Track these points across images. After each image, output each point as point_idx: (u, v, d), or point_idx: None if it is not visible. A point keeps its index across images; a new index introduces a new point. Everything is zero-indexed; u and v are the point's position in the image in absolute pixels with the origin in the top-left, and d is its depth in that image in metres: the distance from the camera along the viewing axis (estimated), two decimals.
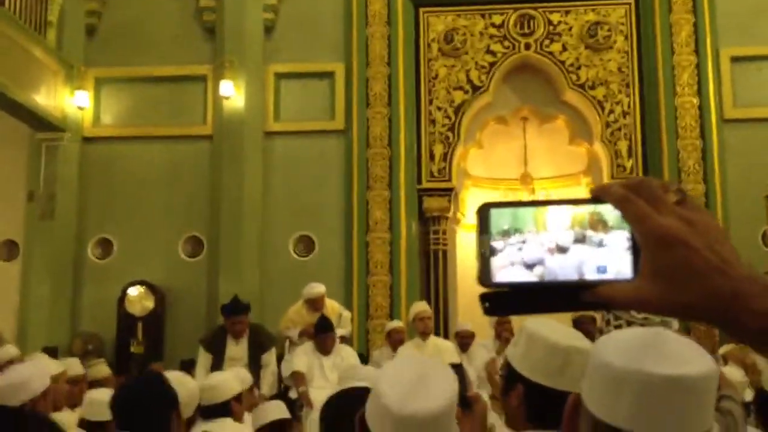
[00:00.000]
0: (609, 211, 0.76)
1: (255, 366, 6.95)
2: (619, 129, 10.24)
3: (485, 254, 0.77)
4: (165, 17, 10.74)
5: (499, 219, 0.78)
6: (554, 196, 10.87)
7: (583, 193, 10.80)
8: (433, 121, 10.44)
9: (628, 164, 10.12)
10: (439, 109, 10.46)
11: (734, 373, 4.79)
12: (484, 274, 0.77)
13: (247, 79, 10.31)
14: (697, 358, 1.14)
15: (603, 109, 10.30)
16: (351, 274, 9.86)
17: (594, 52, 10.43)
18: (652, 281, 0.73)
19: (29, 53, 9.58)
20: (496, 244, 0.77)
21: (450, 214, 10.41)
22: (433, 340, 7.61)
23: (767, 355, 0.75)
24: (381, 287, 9.81)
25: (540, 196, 10.94)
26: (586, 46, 10.44)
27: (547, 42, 10.49)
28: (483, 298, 0.78)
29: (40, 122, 9.93)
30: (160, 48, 10.65)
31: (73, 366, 5.32)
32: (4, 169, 10.51)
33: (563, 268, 0.76)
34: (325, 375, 7.10)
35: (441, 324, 9.54)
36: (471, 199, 11.18)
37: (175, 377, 3.45)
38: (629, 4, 10.49)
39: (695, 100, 9.98)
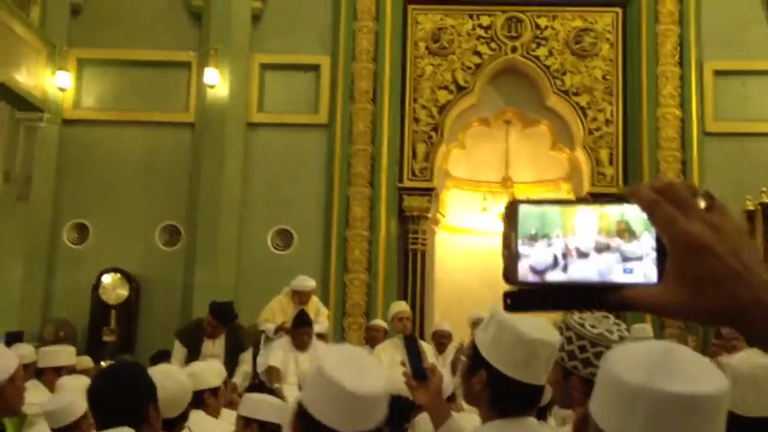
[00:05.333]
0: (636, 217, 0.77)
1: (231, 364, 6.89)
2: (601, 137, 10.29)
3: (512, 252, 0.78)
4: (151, 1, 10.60)
5: (527, 221, 0.78)
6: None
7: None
8: (416, 120, 10.43)
9: (609, 172, 10.19)
10: (424, 107, 10.45)
11: None
12: (511, 271, 0.78)
13: (232, 68, 10.22)
14: (710, 375, 1.15)
15: (586, 116, 10.35)
16: (329, 270, 9.83)
17: (579, 58, 10.48)
18: (676, 286, 0.74)
19: (11, 30, 9.40)
20: (523, 248, 0.78)
21: (430, 214, 10.41)
22: None
23: None
24: (358, 285, 9.79)
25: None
26: (572, 53, 10.48)
27: (533, 46, 10.51)
28: (506, 295, 0.79)
29: (19, 102, 9.77)
30: (145, 32, 10.51)
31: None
32: None
33: (586, 272, 0.77)
34: (299, 371, 7.06)
35: (417, 324, 9.54)
36: (451, 200, 11.20)
37: (164, 371, 3.39)
38: (616, 12, 10.54)
39: (677, 112, 10.06)
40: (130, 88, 10.51)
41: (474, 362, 2.08)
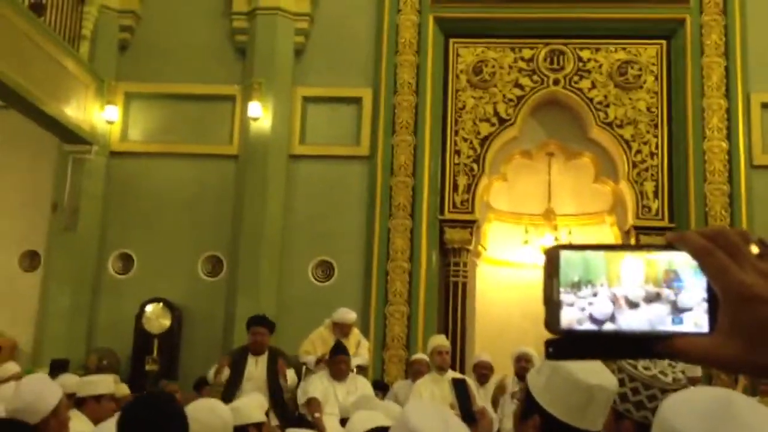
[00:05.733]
0: (684, 265, 0.73)
1: (272, 387, 6.97)
2: (646, 169, 10.17)
3: (554, 300, 0.75)
4: (197, 36, 10.81)
5: (569, 267, 0.75)
6: (577, 234, 10.81)
7: (607, 232, 10.73)
8: (458, 152, 10.42)
9: (654, 205, 10.05)
10: (465, 140, 10.44)
11: None
12: (553, 320, 0.75)
13: (275, 101, 10.36)
14: None
15: (630, 148, 10.25)
16: (369, 302, 9.81)
17: (623, 90, 10.40)
18: (730, 338, 0.70)
19: (61, 66, 9.66)
20: (566, 297, 0.74)
21: (471, 247, 10.35)
22: (450, 375, 7.52)
23: None
24: (399, 317, 9.75)
25: (563, 233, 10.87)
26: (616, 85, 10.41)
27: (576, 78, 10.47)
28: (548, 344, 0.76)
29: (68, 134, 10.00)
30: (190, 66, 10.71)
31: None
32: (31, 179, 10.59)
33: (635, 323, 0.73)
34: (337, 402, 7.05)
35: (458, 357, 9.45)
36: (493, 233, 11.13)
37: (207, 405, 3.38)
38: (661, 44, 10.46)
39: (724, 145, 9.91)
40: (175, 121, 10.70)
41: (527, 406, 2.01)
